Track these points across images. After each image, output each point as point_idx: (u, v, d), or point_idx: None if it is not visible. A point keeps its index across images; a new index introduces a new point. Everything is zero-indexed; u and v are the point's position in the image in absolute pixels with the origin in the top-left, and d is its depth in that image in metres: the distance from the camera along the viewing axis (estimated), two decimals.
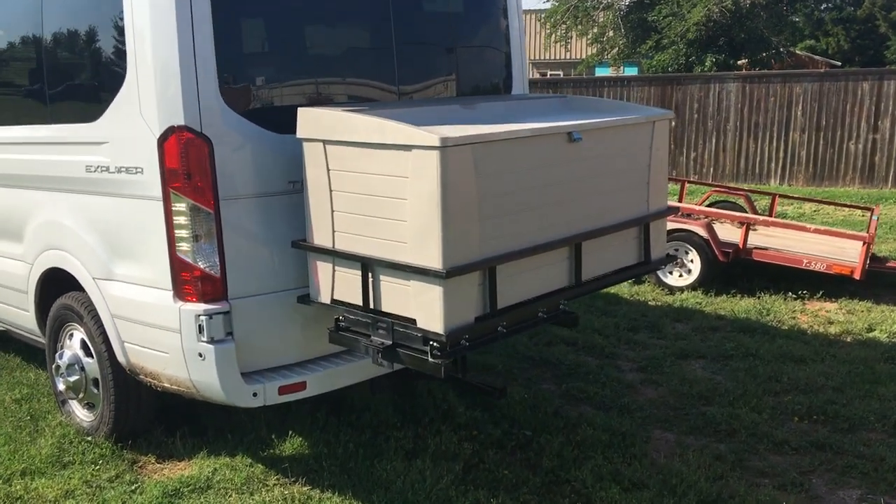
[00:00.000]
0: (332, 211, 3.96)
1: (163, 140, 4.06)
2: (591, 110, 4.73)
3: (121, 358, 4.62)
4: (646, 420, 5.34)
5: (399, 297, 3.76)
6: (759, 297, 8.14)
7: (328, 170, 3.93)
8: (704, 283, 8.38)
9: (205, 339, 4.11)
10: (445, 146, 3.45)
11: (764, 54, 27.14)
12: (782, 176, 16.20)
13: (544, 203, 3.99)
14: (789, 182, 16.13)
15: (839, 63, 35.43)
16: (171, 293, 4.20)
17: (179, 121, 4.00)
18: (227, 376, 4.15)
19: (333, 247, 3.99)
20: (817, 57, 35.89)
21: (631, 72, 31.39)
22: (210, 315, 4.11)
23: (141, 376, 4.58)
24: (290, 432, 4.98)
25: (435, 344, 3.63)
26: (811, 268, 8.11)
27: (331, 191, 3.95)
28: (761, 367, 6.22)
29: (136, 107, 4.16)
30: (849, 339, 6.92)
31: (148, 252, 4.31)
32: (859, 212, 12.35)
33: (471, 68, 5.35)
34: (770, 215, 9.90)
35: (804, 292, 8.21)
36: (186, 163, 4.02)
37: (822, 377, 5.99)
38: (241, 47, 4.28)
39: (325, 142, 3.92)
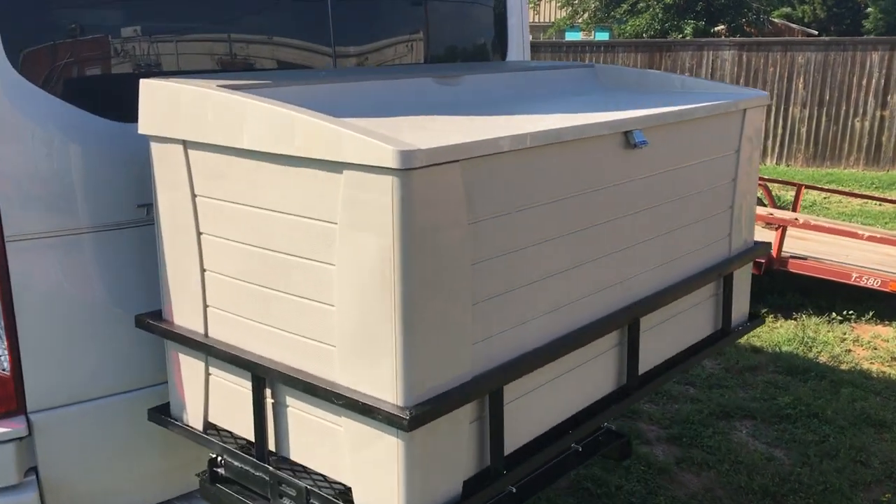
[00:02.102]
0: (202, 270, 2.18)
1: None
2: (642, 90, 2.98)
3: None
4: None
5: (322, 445, 2.00)
6: (797, 320, 6.52)
7: (193, 195, 2.15)
8: None
9: None
10: (412, 166, 1.68)
11: (743, 20, 25.70)
12: (780, 155, 14.62)
13: (583, 258, 2.24)
14: (787, 162, 14.57)
15: (815, 32, 34.13)
16: None
17: None
18: None
19: (205, 334, 2.22)
20: (794, 25, 34.55)
21: (602, 37, 29.82)
22: None
23: None
24: None
25: None
26: (862, 284, 6.49)
27: (199, 233, 2.16)
28: (833, 437, 4.59)
29: None
30: None
31: None
32: (873, 201, 10.88)
33: (445, 24, 3.56)
34: (794, 210, 8.28)
35: (850, 313, 6.61)
36: None
37: None
38: None
39: (186, 143, 2.12)
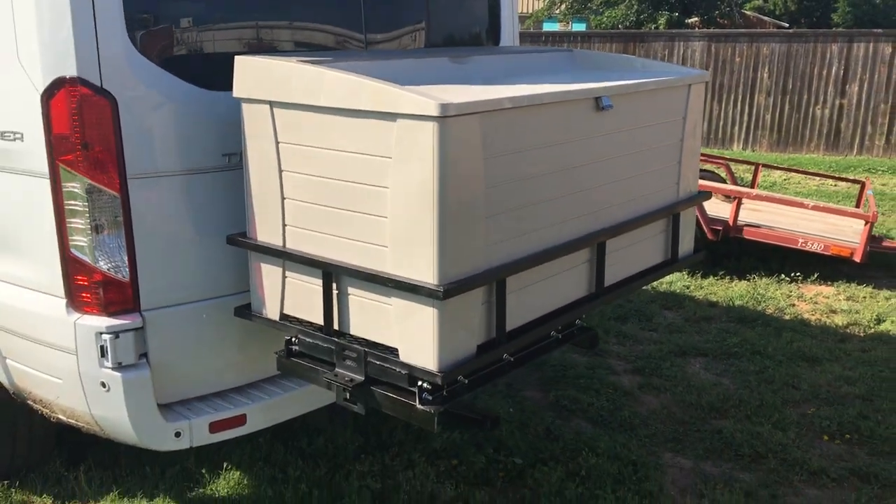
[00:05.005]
0: (283, 198, 2.95)
1: (48, 96, 2.97)
2: (610, 69, 3.77)
3: (2, 377, 3.56)
4: (653, 439, 4.50)
5: (375, 319, 2.78)
6: (750, 280, 7.37)
7: (277, 142, 2.91)
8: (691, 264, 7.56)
9: (109, 364, 3.08)
10: (446, 115, 2.46)
11: (716, 13, 26.61)
12: (745, 141, 15.53)
13: (564, 191, 3.03)
14: (752, 147, 15.48)
15: (787, 24, 35.11)
16: (65, 302, 3.15)
17: (71, 71, 2.92)
18: (139, 412, 3.15)
19: (284, 246, 2.99)
20: (766, 17, 35.48)
21: (579, 27, 30.58)
22: (116, 333, 3.07)
23: (29, 402, 3.53)
24: (226, 464, 4.00)
25: (426, 385, 2.67)
26: (807, 248, 7.35)
27: (280, 171, 2.93)
28: (773, 368, 5.43)
29: (13, 50, 3.05)
30: (860, 333, 6.19)
31: (34, 245, 3.23)
32: (830, 181, 11.76)
33: (448, 13, 4.33)
34: (752, 186, 9.14)
35: (797, 274, 7.47)
36: (81, 128, 2.95)
37: (844, 383, 5.23)
38: None
39: (272, 104, 2.88)
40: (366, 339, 2.83)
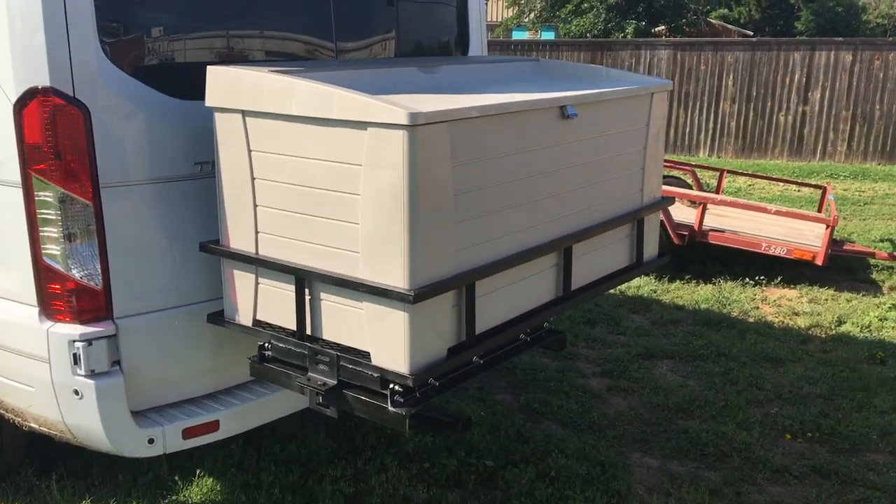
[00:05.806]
0: (255, 206, 2.99)
1: (21, 106, 2.99)
2: (575, 78, 3.86)
3: None
4: (621, 440, 4.59)
5: (347, 324, 2.83)
6: (716, 284, 7.51)
7: (249, 150, 2.95)
8: (657, 268, 7.69)
9: (82, 371, 3.10)
10: (415, 124, 2.52)
11: (682, 21, 27.02)
12: (711, 147, 15.77)
13: (531, 198, 3.10)
14: (718, 154, 15.73)
15: (751, 33, 35.64)
16: (37, 310, 3.17)
17: (44, 81, 2.94)
18: (112, 419, 3.17)
19: (256, 253, 3.03)
20: (731, 26, 36.00)
21: (548, 36, 30.84)
22: (89, 340, 3.09)
23: (1, 411, 3.53)
24: (199, 471, 4.02)
25: (397, 388, 2.73)
26: (770, 252, 7.51)
27: (252, 179, 2.97)
28: (737, 370, 5.55)
29: None
30: (821, 335, 6.34)
31: (6, 254, 3.24)
32: (794, 186, 12.00)
33: (420, 24, 4.40)
34: (717, 192, 9.30)
35: (761, 278, 7.63)
36: (54, 137, 2.97)
37: (806, 383, 5.36)
38: None
39: (244, 113, 2.93)
40: (338, 344, 2.88)
